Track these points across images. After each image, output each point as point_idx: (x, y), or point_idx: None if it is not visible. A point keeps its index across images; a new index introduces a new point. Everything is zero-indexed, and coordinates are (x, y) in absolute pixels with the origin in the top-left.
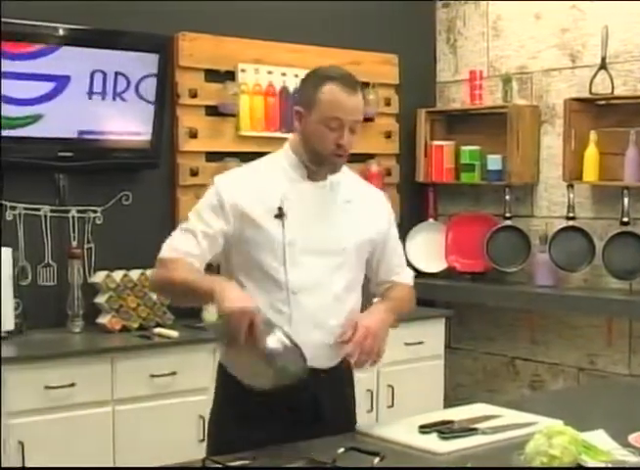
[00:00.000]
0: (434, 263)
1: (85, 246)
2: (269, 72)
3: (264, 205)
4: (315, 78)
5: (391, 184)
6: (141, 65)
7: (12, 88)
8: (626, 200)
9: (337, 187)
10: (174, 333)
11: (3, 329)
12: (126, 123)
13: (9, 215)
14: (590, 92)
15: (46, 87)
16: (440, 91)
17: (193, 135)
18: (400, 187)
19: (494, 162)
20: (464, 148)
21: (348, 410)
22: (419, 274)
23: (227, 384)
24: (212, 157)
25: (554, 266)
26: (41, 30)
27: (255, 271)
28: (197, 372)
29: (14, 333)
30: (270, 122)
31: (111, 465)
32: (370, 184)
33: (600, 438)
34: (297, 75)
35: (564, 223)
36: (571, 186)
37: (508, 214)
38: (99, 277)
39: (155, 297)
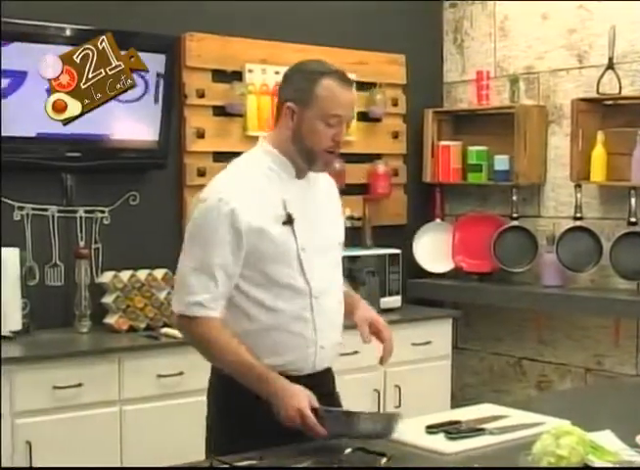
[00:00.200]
0: (440, 264)
1: (92, 246)
2: (276, 73)
3: (270, 213)
4: (308, 74)
5: (399, 184)
6: (148, 65)
7: None
8: (634, 200)
9: (315, 181)
10: None
11: (10, 329)
12: (134, 124)
13: (16, 216)
14: (597, 92)
15: None
16: (447, 91)
17: (200, 135)
18: (407, 187)
19: (501, 162)
20: (471, 148)
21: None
22: (426, 274)
23: (227, 393)
24: (220, 157)
25: (561, 267)
26: (48, 31)
27: (273, 283)
28: (204, 372)
29: (21, 333)
30: None
31: (118, 465)
32: None
33: (607, 438)
34: None
35: (571, 224)
36: (578, 186)
37: (515, 215)
38: (106, 277)
39: (162, 296)
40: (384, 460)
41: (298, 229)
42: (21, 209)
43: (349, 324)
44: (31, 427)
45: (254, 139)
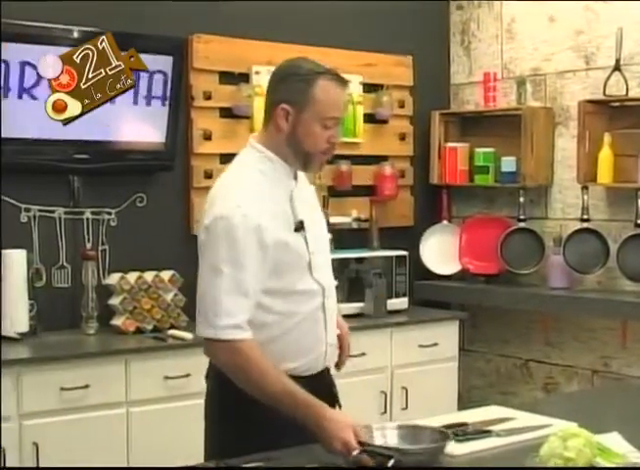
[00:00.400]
0: (447, 265)
1: (99, 248)
2: None
3: (285, 222)
4: (303, 74)
5: (405, 186)
6: (155, 67)
7: None
8: None
9: (304, 182)
10: (188, 335)
11: (17, 331)
12: (141, 125)
13: (23, 217)
14: (604, 94)
15: None
16: (454, 93)
17: (207, 137)
18: (414, 189)
19: (508, 164)
20: (478, 150)
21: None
22: (433, 276)
23: (227, 391)
24: (227, 159)
25: (568, 268)
26: (55, 33)
27: (289, 290)
28: None
29: (28, 334)
30: None
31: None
32: None
33: (614, 440)
34: None
35: (578, 225)
36: (585, 188)
37: (522, 216)
38: (113, 279)
39: (169, 298)
40: (390, 462)
41: (307, 234)
42: (27, 210)
43: None
44: (38, 428)
45: None
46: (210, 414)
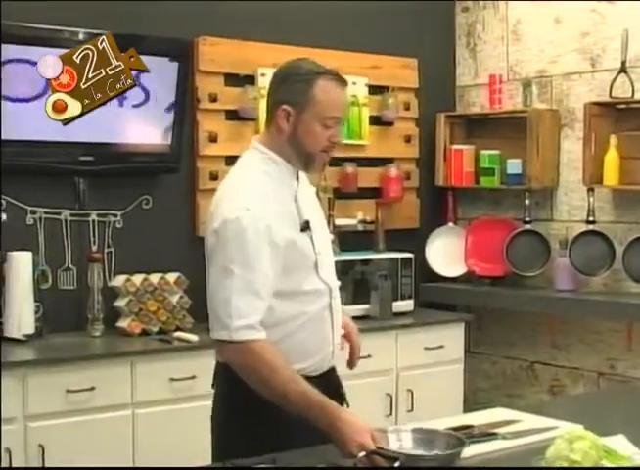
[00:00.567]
0: (453, 268)
1: (105, 250)
2: None
3: (292, 222)
4: (303, 75)
5: (411, 188)
6: (161, 69)
7: None
8: None
9: (305, 182)
10: (194, 337)
11: (23, 332)
12: (146, 128)
13: (29, 220)
14: (610, 96)
15: None
16: (460, 95)
17: (213, 139)
18: (420, 191)
19: (514, 166)
20: (483, 152)
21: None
22: (438, 278)
23: (237, 392)
24: (232, 161)
25: (574, 271)
26: (62, 35)
27: (298, 290)
28: None
29: (34, 336)
30: None
31: None
32: None
33: (620, 443)
34: None
35: (584, 227)
36: (591, 190)
37: (528, 219)
38: (119, 281)
39: (174, 300)
40: (397, 463)
41: (313, 234)
42: (33, 212)
43: None
44: (44, 430)
45: None
46: (219, 416)
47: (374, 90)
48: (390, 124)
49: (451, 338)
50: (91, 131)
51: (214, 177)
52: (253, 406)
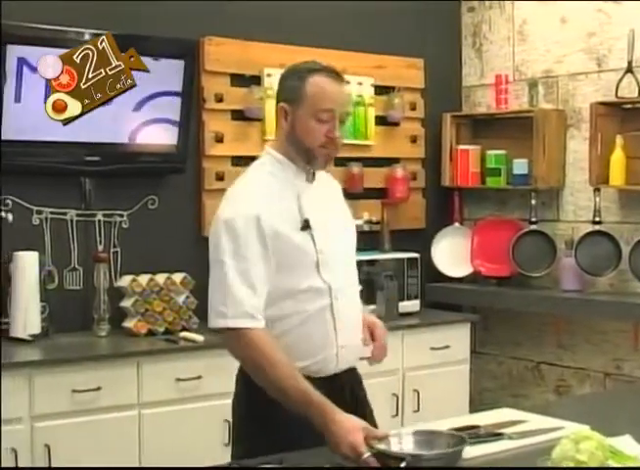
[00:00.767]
0: (459, 268)
1: (111, 250)
2: None
3: (289, 220)
4: (297, 73)
5: (417, 188)
6: (167, 69)
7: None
8: None
9: (324, 184)
10: (200, 337)
11: (29, 333)
12: (152, 128)
13: (35, 220)
14: (616, 96)
15: None
16: (466, 95)
17: (219, 139)
18: (426, 191)
19: (520, 166)
20: (489, 152)
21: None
22: (444, 279)
23: (253, 394)
24: (238, 161)
25: (580, 271)
26: (67, 35)
27: (295, 288)
28: (222, 376)
29: (40, 336)
30: None
31: None
32: None
33: (626, 443)
34: None
35: (590, 228)
36: (597, 190)
37: (534, 219)
38: (125, 281)
39: (180, 300)
40: (403, 464)
41: (316, 233)
42: (40, 212)
43: None
44: (50, 430)
45: None
46: (237, 413)
47: (380, 90)
48: (396, 125)
49: (457, 338)
50: (97, 131)
51: (220, 177)
52: (268, 404)
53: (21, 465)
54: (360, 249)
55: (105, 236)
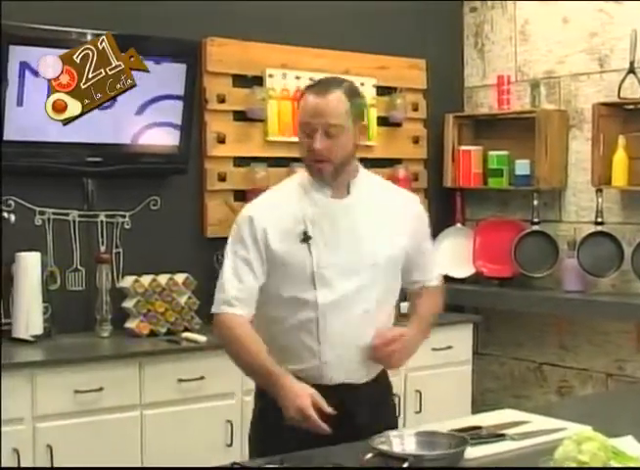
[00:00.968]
0: (461, 269)
1: (113, 251)
2: (297, 78)
3: (289, 229)
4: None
5: (419, 189)
6: (169, 70)
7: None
8: None
9: (365, 199)
10: (202, 338)
11: (32, 333)
12: (155, 131)
13: (38, 220)
14: (619, 96)
15: None
16: (468, 96)
17: (221, 140)
18: (428, 192)
19: (522, 166)
20: (492, 153)
21: (388, 425)
22: (447, 279)
23: (262, 397)
24: (240, 162)
25: (582, 272)
26: (69, 36)
27: (284, 295)
28: (224, 377)
29: (42, 337)
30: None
31: None
32: (400, 188)
33: (629, 444)
34: None
35: (592, 228)
36: (599, 191)
37: (536, 219)
38: (127, 282)
39: (183, 301)
40: (405, 465)
41: (317, 247)
42: (42, 213)
43: None
44: (52, 431)
45: (275, 144)
46: (253, 413)
47: (382, 91)
48: (398, 125)
49: (459, 339)
50: (99, 132)
51: (222, 178)
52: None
53: (23, 466)
54: None
55: (107, 237)
